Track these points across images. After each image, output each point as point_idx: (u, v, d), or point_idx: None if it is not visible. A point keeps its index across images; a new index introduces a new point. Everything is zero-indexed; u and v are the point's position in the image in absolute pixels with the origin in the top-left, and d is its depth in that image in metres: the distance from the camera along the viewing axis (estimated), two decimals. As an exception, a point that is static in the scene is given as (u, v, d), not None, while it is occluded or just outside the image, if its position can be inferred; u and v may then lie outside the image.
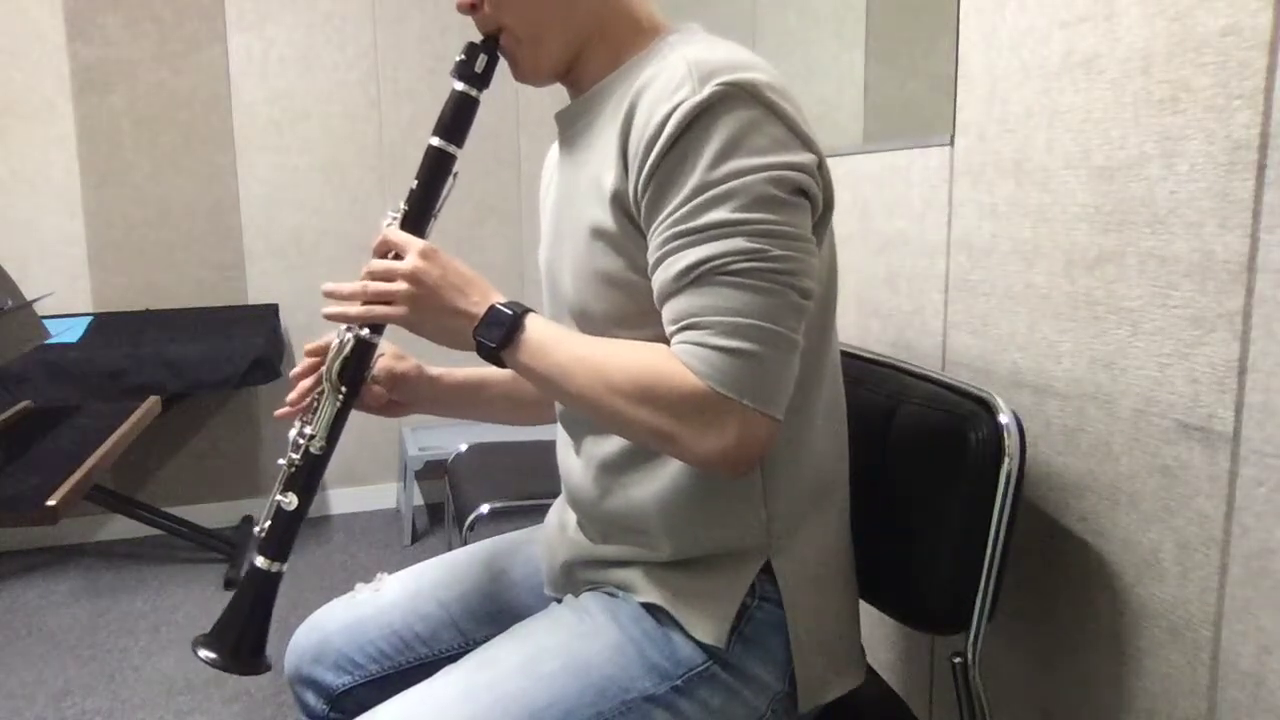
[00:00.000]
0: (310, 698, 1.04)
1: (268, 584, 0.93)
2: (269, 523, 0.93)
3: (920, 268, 1.27)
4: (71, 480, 1.56)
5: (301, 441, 0.94)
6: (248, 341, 2.78)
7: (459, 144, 0.94)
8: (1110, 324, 0.93)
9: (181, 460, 3.10)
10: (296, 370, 1.00)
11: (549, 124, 1.00)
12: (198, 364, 2.68)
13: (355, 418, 0.95)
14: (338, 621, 1.05)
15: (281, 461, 0.95)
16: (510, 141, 3.21)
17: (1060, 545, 1.02)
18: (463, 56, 0.92)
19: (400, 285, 0.86)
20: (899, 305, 1.32)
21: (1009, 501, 0.91)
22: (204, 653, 0.91)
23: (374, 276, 0.89)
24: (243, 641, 0.93)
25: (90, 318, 2.89)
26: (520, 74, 0.95)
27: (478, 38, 0.92)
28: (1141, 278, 0.89)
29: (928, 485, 0.98)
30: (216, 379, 2.71)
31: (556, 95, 1.00)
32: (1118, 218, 0.91)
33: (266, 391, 3.04)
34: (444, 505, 3.11)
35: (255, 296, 3.10)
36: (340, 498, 3.24)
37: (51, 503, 1.47)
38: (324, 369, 0.95)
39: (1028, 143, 1.04)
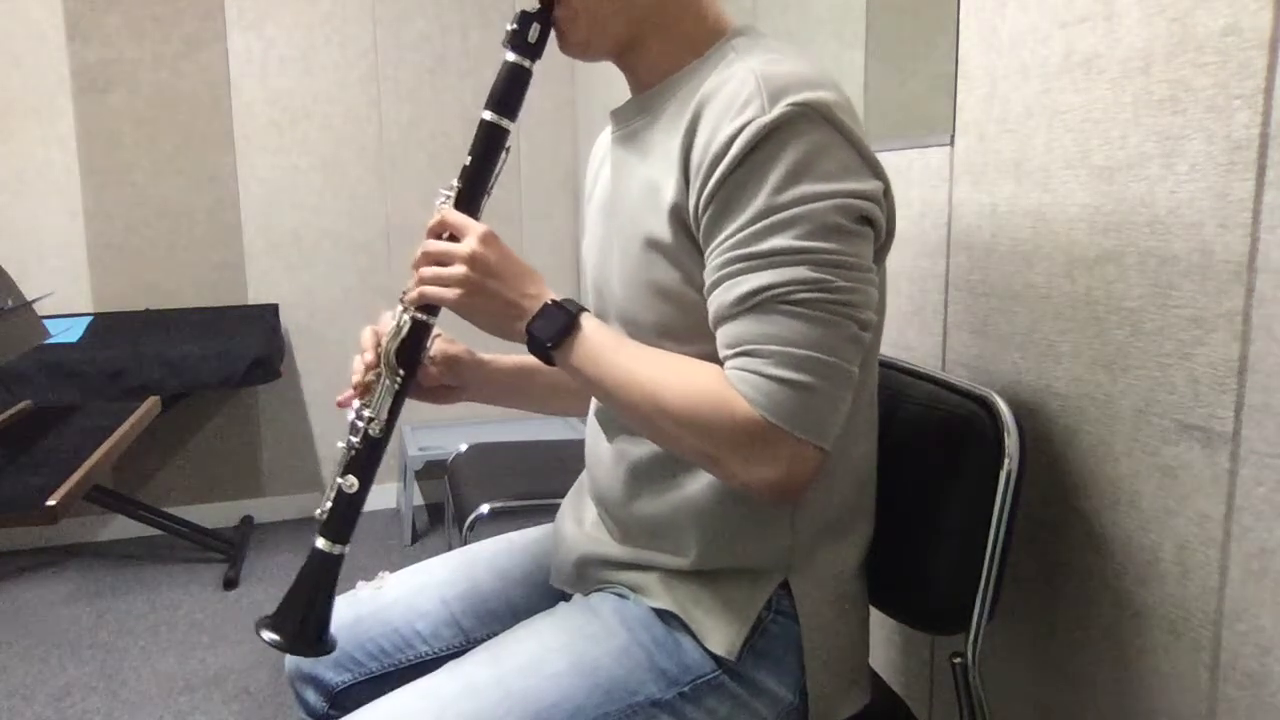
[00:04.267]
0: (310, 695, 1.04)
1: (329, 565, 0.93)
2: (329, 505, 0.93)
3: (920, 268, 1.27)
4: (71, 480, 1.56)
5: (360, 424, 0.93)
6: (248, 341, 2.78)
7: (512, 117, 0.91)
8: (1110, 324, 0.93)
9: (181, 460, 3.10)
10: (365, 358, 0.97)
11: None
12: (198, 364, 2.68)
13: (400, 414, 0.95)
14: (338, 619, 1.05)
15: (341, 445, 0.94)
16: (511, 143, 3.21)
17: (1060, 545, 1.02)
18: (515, 26, 0.88)
19: (457, 269, 0.85)
20: (899, 305, 1.32)
21: (1009, 501, 0.91)
22: (267, 635, 0.90)
23: (430, 258, 0.87)
24: (306, 623, 0.92)
25: (90, 318, 2.89)
26: (568, 47, 0.91)
27: (529, 6, 0.89)
28: (1141, 278, 0.89)
29: (928, 485, 0.98)
30: (216, 379, 2.71)
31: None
32: (1118, 218, 0.91)
33: (266, 391, 3.04)
34: (444, 505, 3.11)
35: (255, 296, 3.10)
36: (340, 498, 3.24)
37: (51, 503, 1.47)
38: (381, 351, 0.93)
39: (1028, 143, 1.04)
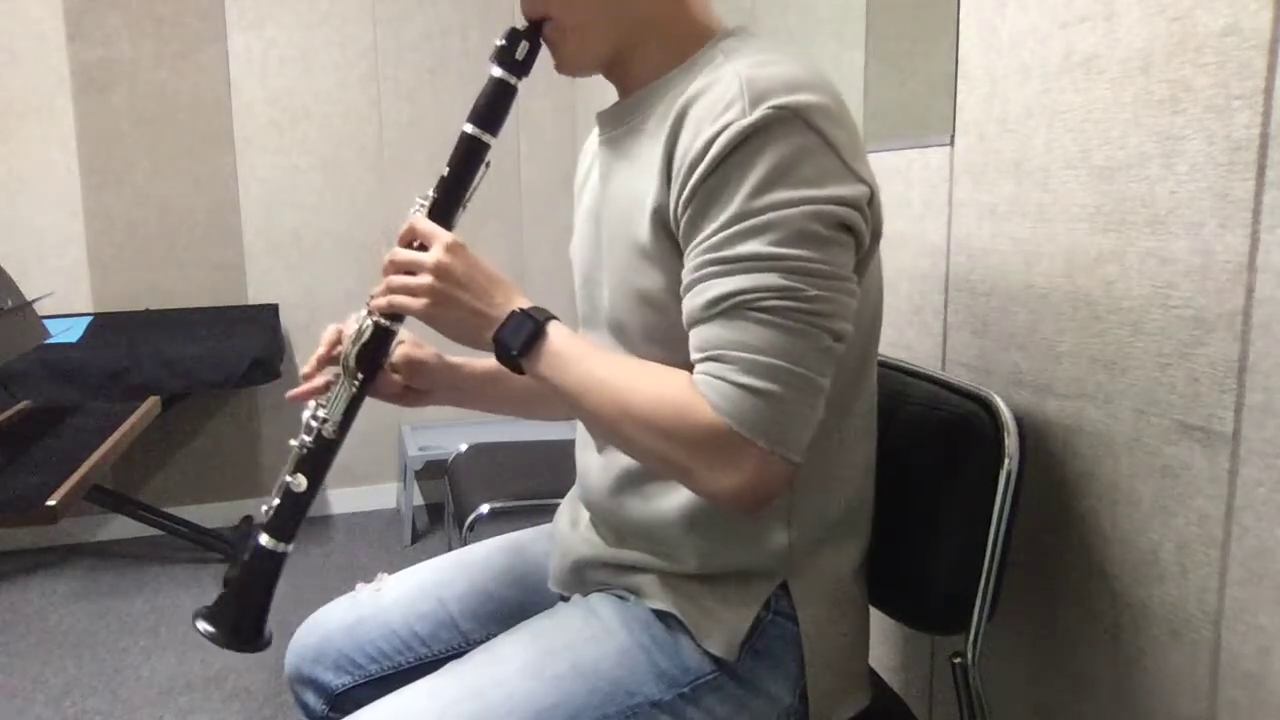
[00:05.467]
0: (310, 698, 1.04)
1: (272, 563, 0.93)
2: (277, 502, 0.93)
3: (920, 268, 1.27)
4: (71, 480, 1.56)
5: (315, 424, 0.93)
6: (248, 341, 2.78)
7: (494, 133, 0.91)
8: (1110, 324, 0.93)
9: (181, 460, 3.10)
10: (317, 353, 0.99)
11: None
12: (198, 364, 2.68)
13: (356, 418, 0.95)
14: (338, 621, 1.05)
15: (293, 442, 0.94)
16: (510, 144, 3.21)
17: (1060, 545, 1.02)
18: (503, 42, 0.88)
19: (423, 279, 0.85)
20: (899, 305, 1.32)
21: (1009, 501, 0.91)
22: (203, 626, 0.90)
23: (397, 267, 0.87)
24: (243, 619, 0.92)
25: (90, 318, 2.89)
26: (561, 64, 0.91)
27: (520, 23, 0.89)
28: (1141, 278, 0.89)
29: (928, 485, 0.98)
30: (216, 379, 2.71)
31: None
32: (1118, 218, 0.91)
33: (266, 391, 3.04)
34: (444, 505, 3.11)
35: (255, 296, 3.10)
36: (340, 498, 3.24)
37: (51, 503, 1.47)
38: (341, 354, 0.94)
39: (1028, 143, 1.04)
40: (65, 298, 2.91)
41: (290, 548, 0.93)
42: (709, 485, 0.76)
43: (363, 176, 3.14)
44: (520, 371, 0.85)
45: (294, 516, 0.93)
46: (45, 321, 2.18)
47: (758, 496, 0.76)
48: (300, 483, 0.92)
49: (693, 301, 0.77)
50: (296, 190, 3.10)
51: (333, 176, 3.12)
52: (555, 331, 0.83)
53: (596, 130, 0.97)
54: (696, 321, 0.77)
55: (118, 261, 2.98)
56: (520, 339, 0.83)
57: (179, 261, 3.03)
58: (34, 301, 2.10)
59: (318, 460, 0.93)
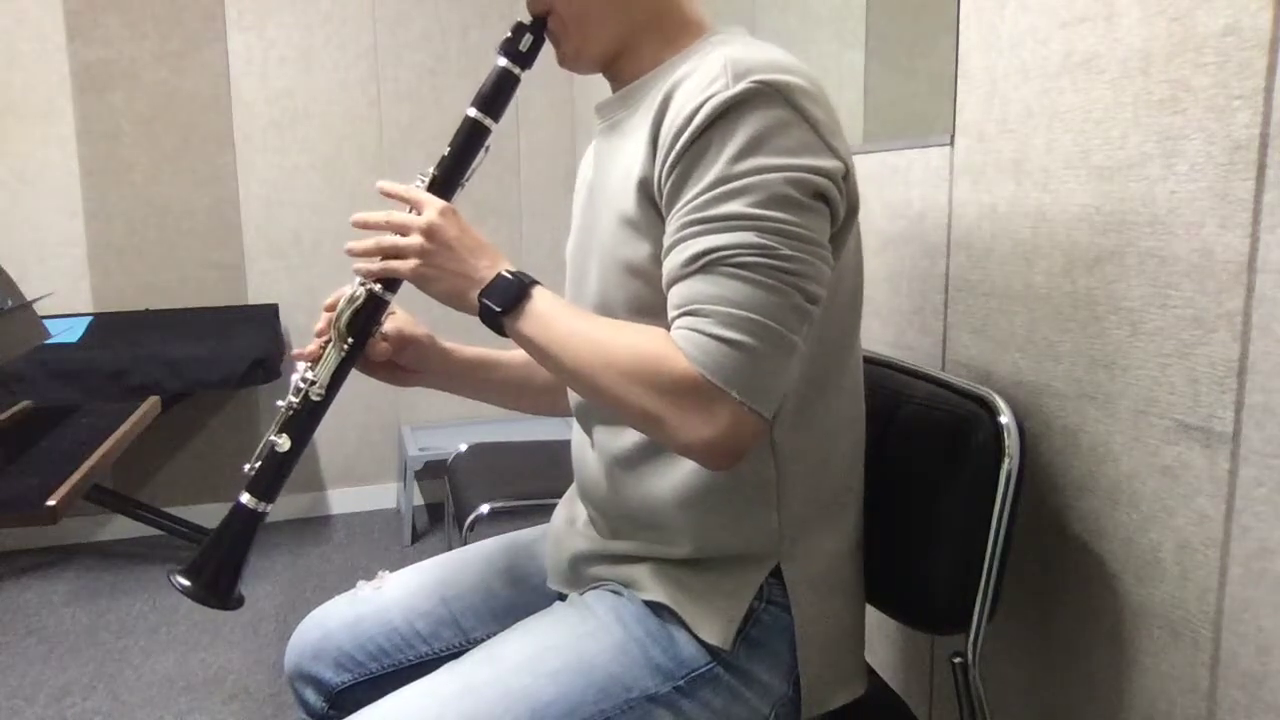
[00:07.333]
0: (310, 695, 1.04)
1: (250, 521, 0.94)
2: (259, 462, 0.94)
3: (920, 268, 1.27)
4: (71, 480, 1.56)
5: (303, 386, 0.95)
6: (248, 341, 2.78)
7: (495, 118, 0.95)
8: (1110, 324, 0.93)
9: (181, 460, 3.10)
10: (319, 326, 1.00)
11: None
12: (198, 364, 2.68)
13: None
14: (339, 619, 1.06)
15: (280, 403, 0.96)
16: (510, 142, 3.21)
17: (1060, 545, 1.02)
18: (510, 34, 0.93)
19: (414, 239, 0.88)
20: (899, 305, 1.32)
21: (1009, 501, 0.91)
22: (179, 579, 0.91)
23: (391, 228, 0.91)
24: (219, 575, 0.94)
25: (90, 318, 2.89)
26: (563, 58, 0.95)
27: (527, 18, 0.93)
28: (1141, 278, 0.89)
29: (928, 485, 0.98)
30: (216, 379, 2.71)
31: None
32: (1118, 218, 0.91)
33: (266, 391, 3.04)
34: (444, 505, 3.11)
35: (255, 296, 3.10)
36: (340, 498, 3.24)
37: (51, 503, 1.47)
38: (333, 318, 0.96)
39: (1028, 143, 1.04)
40: (65, 298, 2.91)
41: (269, 507, 0.95)
42: (682, 435, 0.77)
43: (363, 177, 3.14)
44: (502, 332, 0.87)
45: (276, 476, 0.94)
46: (45, 321, 2.18)
47: (728, 448, 0.77)
48: (284, 443, 0.94)
49: (672, 261, 0.79)
50: (296, 190, 3.10)
51: (333, 176, 3.12)
52: (539, 293, 0.86)
53: (594, 143, 1.00)
54: (676, 279, 0.79)
55: (118, 261, 2.98)
56: (506, 298, 0.85)
57: (179, 261, 3.03)
58: (34, 301, 2.09)
59: (303, 421, 0.95)
